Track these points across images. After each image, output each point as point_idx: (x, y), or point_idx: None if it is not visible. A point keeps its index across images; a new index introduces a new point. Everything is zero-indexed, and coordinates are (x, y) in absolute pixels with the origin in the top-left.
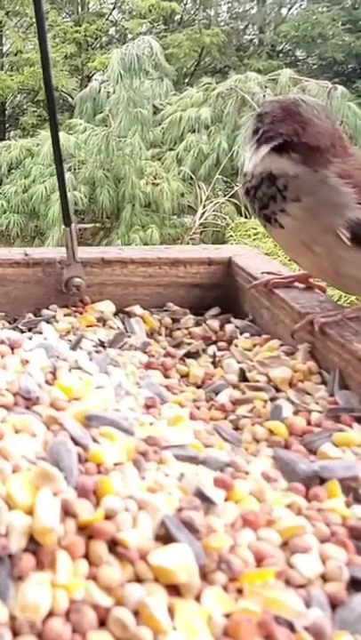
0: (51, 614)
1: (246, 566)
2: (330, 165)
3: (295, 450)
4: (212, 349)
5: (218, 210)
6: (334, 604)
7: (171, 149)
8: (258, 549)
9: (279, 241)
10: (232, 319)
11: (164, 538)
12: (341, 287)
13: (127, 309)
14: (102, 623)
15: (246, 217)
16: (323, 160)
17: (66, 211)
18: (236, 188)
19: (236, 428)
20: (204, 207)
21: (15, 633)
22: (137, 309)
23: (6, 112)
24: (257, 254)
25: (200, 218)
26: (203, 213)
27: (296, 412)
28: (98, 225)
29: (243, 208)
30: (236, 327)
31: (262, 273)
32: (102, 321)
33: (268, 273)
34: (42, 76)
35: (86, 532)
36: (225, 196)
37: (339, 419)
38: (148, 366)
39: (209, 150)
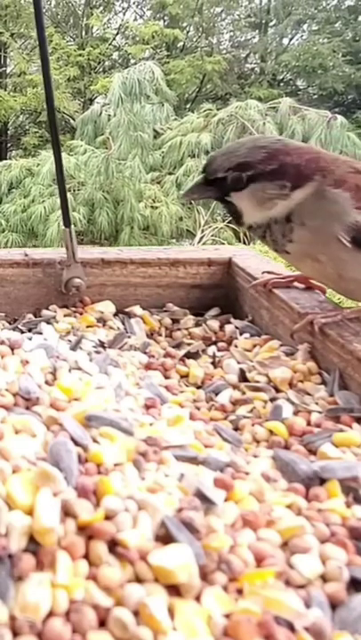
0: (51, 614)
1: (246, 566)
2: (321, 178)
3: (295, 450)
4: (211, 350)
5: (216, 235)
6: (334, 604)
7: (170, 173)
8: (258, 549)
9: (287, 260)
10: (232, 320)
11: (164, 538)
12: (344, 292)
13: (127, 310)
14: (102, 623)
15: (245, 242)
16: (310, 177)
17: (65, 212)
18: None
19: (236, 429)
20: (202, 232)
21: (15, 633)
22: (137, 310)
23: (8, 132)
24: (257, 255)
25: (198, 242)
26: (201, 238)
27: (296, 413)
28: (96, 246)
29: (241, 234)
30: (236, 327)
31: (263, 273)
32: (102, 321)
33: (268, 273)
34: (44, 98)
35: (86, 532)
36: (223, 221)
37: (339, 419)
38: (148, 367)
39: None
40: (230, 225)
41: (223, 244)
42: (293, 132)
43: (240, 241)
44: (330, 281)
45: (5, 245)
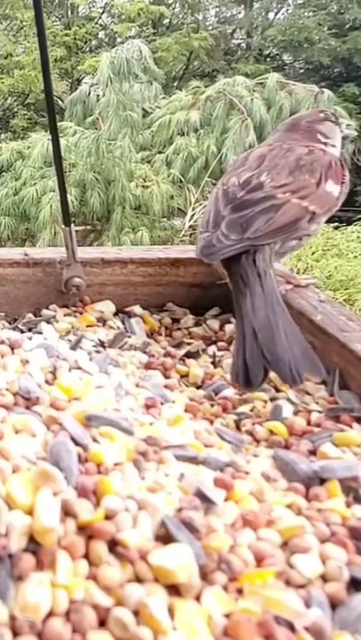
0: (51, 614)
1: (246, 566)
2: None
3: (295, 450)
4: (212, 349)
5: None
6: (334, 604)
7: (160, 152)
8: (258, 549)
9: None
10: (232, 319)
11: (164, 538)
12: None
13: (127, 309)
14: (102, 623)
15: None
16: None
17: (66, 211)
18: None
19: (237, 428)
20: (193, 209)
21: (15, 633)
22: (137, 309)
23: None
24: None
25: (189, 220)
26: (192, 216)
27: (296, 412)
28: (88, 227)
29: None
30: None
31: None
32: (102, 321)
33: None
34: (32, 79)
35: (86, 532)
36: None
37: (339, 419)
38: (148, 366)
39: (198, 153)
40: None
41: None
42: (281, 107)
43: None
44: None
45: None
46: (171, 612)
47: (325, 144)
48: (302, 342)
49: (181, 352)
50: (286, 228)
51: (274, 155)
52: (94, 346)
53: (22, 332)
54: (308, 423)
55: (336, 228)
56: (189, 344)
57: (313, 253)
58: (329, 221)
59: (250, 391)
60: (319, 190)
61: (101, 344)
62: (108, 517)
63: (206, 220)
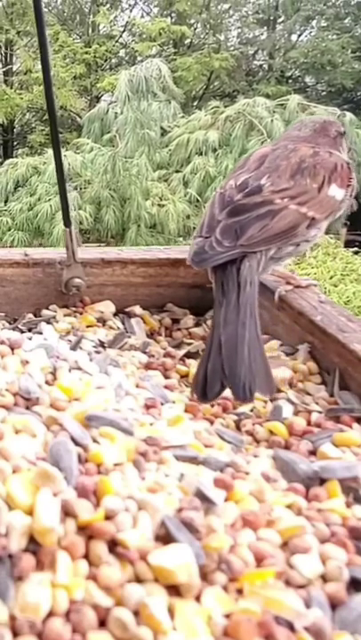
0: (51, 614)
1: (246, 566)
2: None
3: (295, 450)
4: None
5: None
6: (334, 604)
7: (177, 171)
8: (258, 549)
9: None
10: None
11: (164, 538)
12: None
13: (127, 310)
14: (102, 623)
15: None
16: None
17: (66, 211)
18: None
19: (237, 428)
20: None
21: (15, 633)
22: (137, 310)
23: (15, 130)
24: None
25: None
26: None
27: (296, 413)
28: (103, 245)
29: None
30: None
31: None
32: (102, 321)
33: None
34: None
35: (86, 532)
36: None
37: (339, 419)
38: (148, 366)
39: (216, 173)
40: None
41: None
42: None
43: None
44: None
45: (12, 244)
46: (171, 612)
47: (335, 146)
48: (263, 359)
49: (181, 352)
50: (282, 234)
51: (276, 155)
52: (94, 346)
53: (22, 332)
54: (309, 423)
55: (356, 252)
56: (189, 344)
57: (331, 278)
58: (348, 245)
59: (203, 403)
60: (321, 195)
61: (101, 344)
62: (108, 517)
63: (201, 225)
